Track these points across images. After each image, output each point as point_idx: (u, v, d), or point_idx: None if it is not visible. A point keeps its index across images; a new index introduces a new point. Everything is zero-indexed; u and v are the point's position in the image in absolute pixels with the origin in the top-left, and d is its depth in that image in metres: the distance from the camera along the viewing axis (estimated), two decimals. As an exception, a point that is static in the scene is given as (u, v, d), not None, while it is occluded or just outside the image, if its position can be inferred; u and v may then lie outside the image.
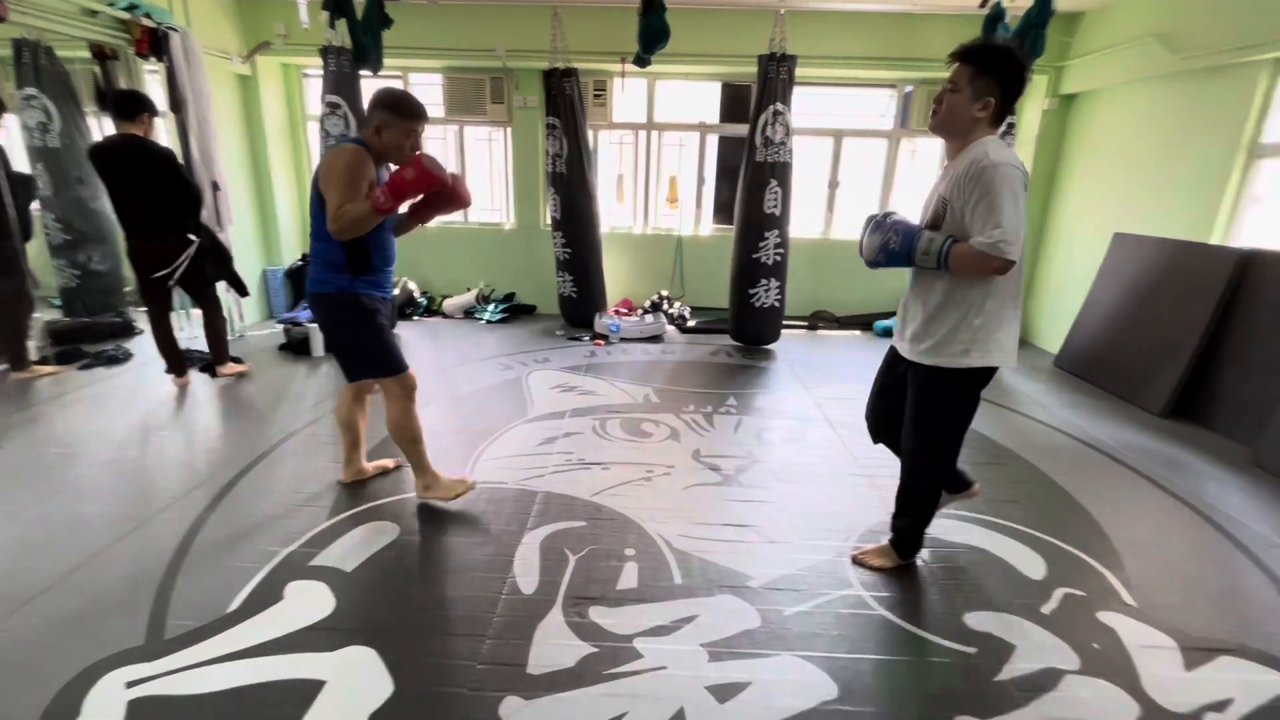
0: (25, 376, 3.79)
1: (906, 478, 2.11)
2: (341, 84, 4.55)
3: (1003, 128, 1.82)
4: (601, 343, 5.07)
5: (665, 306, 5.78)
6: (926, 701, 1.65)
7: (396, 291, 5.53)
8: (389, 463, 2.82)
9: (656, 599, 1.99)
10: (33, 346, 3.90)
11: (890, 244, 1.88)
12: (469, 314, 5.83)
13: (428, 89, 5.83)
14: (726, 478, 2.83)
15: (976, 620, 1.95)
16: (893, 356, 2.15)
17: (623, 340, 5.18)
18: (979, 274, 1.79)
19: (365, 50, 4.26)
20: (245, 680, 1.62)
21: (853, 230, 6.03)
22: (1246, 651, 1.85)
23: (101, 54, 4.20)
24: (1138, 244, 4.22)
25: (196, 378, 3.93)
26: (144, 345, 4.46)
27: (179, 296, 4.02)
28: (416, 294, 5.90)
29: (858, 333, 5.74)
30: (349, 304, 2.25)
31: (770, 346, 5.08)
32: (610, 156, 5.97)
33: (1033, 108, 5.31)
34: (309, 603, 1.92)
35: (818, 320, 5.91)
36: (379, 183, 2.18)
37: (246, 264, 4.90)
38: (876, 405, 2.25)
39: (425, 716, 1.55)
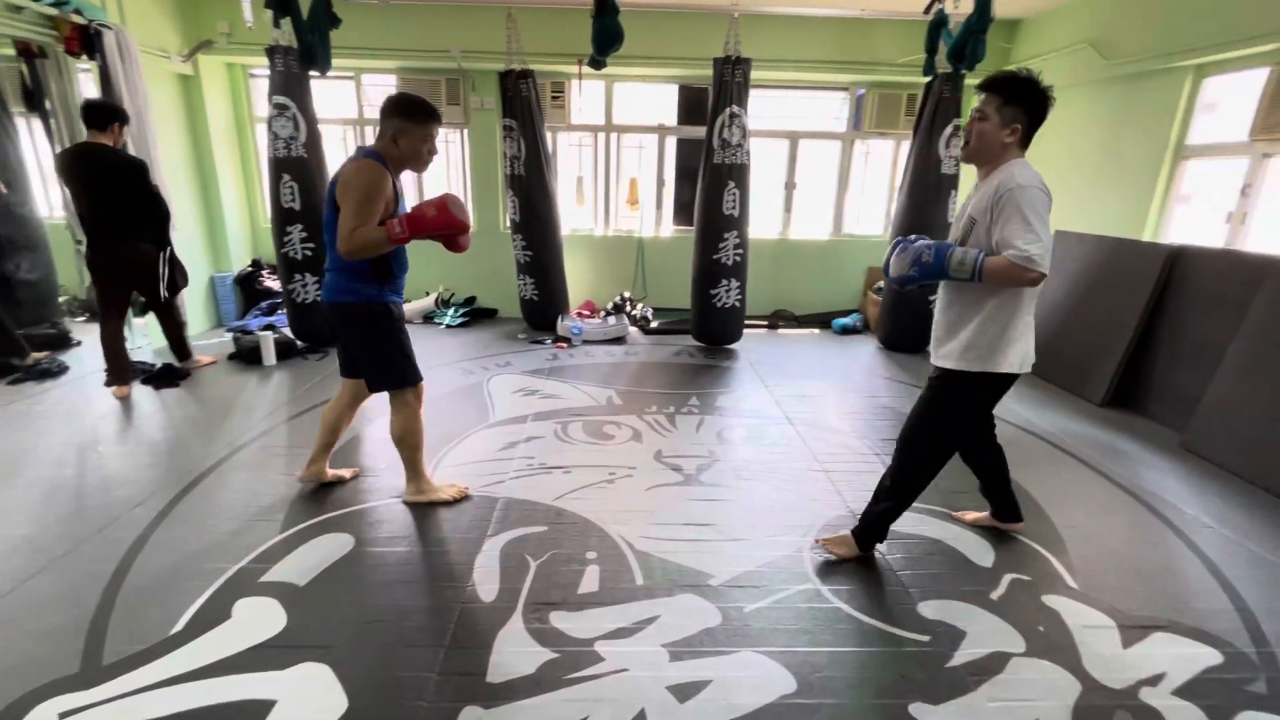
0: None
1: (897, 472, 2.17)
2: (290, 85, 4.41)
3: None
4: (564, 345, 5.05)
5: (628, 308, 5.79)
6: (882, 691, 1.69)
7: (352, 297, 5.39)
8: (345, 473, 2.77)
9: (618, 601, 1.99)
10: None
11: (924, 257, 1.92)
12: (428, 319, 5.74)
13: (381, 90, 5.72)
14: (688, 477, 2.85)
15: (930, 609, 2.01)
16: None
17: (585, 343, 5.16)
18: (1012, 284, 1.87)
19: (312, 50, 4.15)
20: (190, 704, 1.56)
21: (811, 230, 6.17)
22: (1178, 627, 1.95)
23: (28, 52, 3.99)
24: (1078, 241, 4.41)
25: (139, 390, 3.77)
26: (81, 357, 4.27)
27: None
28: (373, 299, 5.77)
29: (817, 331, 5.85)
30: (379, 313, 2.26)
31: (732, 346, 5.13)
32: (570, 158, 5.95)
33: (978, 111, 5.49)
34: (259, 620, 1.85)
35: (778, 319, 6.00)
36: (397, 197, 2.21)
37: (193, 271, 4.71)
38: None
39: (381, 732, 1.52)
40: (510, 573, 2.12)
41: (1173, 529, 2.54)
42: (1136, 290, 3.80)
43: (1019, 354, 1.97)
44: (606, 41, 4.26)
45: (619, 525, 2.43)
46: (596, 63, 4.50)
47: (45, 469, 2.78)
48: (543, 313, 5.43)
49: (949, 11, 4.30)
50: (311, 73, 4.45)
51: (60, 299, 4.80)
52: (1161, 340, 3.72)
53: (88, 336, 4.47)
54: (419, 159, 2.18)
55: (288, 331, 4.78)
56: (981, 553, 2.33)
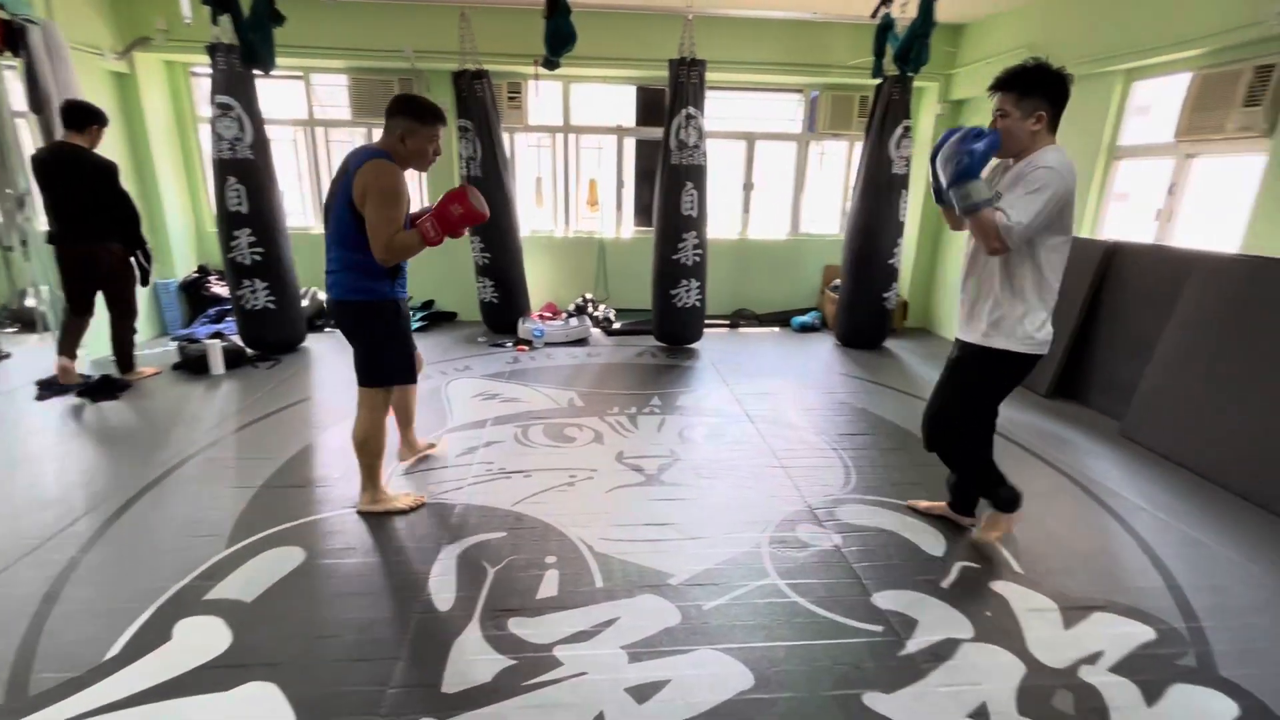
0: None
1: (953, 463, 2.33)
2: (233, 84, 4.27)
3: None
4: (525, 348, 5.00)
5: (590, 310, 5.77)
6: (838, 682, 1.72)
7: (306, 303, 5.25)
8: (431, 445, 3.02)
9: (577, 605, 1.98)
10: None
11: (963, 160, 1.88)
12: (386, 323, 5.60)
13: (332, 90, 5.57)
14: (649, 478, 2.85)
15: (884, 600, 2.06)
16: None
17: (547, 345, 5.13)
18: (980, 239, 1.97)
19: (253, 49, 4.01)
20: (126, 731, 1.49)
21: (769, 230, 6.25)
22: (1116, 607, 2.04)
23: (-55, 48, 3.77)
24: (1021, 239, 4.56)
25: (76, 403, 3.58)
26: (9, 371, 4.04)
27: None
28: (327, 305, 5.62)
29: (777, 329, 5.93)
30: (389, 310, 2.34)
31: (693, 345, 5.17)
32: (528, 159, 5.90)
33: (926, 113, 5.66)
34: (202, 640, 1.78)
35: (739, 319, 6.06)
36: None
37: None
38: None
39: (331, 749, 1.48)
40: (467, 580, 2.09)
41: (1111, 513, 2.65)
42: (1077, 285, 3.95)
43: (1040, 337, 2.05)
44: (559, 42, 4.24)
45: (579, 528, 2.42)
46: (550, 63, 4.47)
47: (-31, 490, 2.62)
48: (503, 315, 5.37)
49: (895, 16, 4.41)
50: (255, 72, 4.31)
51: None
52: (1101, 333, 3.89)
53: (17, 349, 4.24)
54: (424, 158, 2.24)
55: (237, 339, 4.62)
56: (933, 543, 2.40)
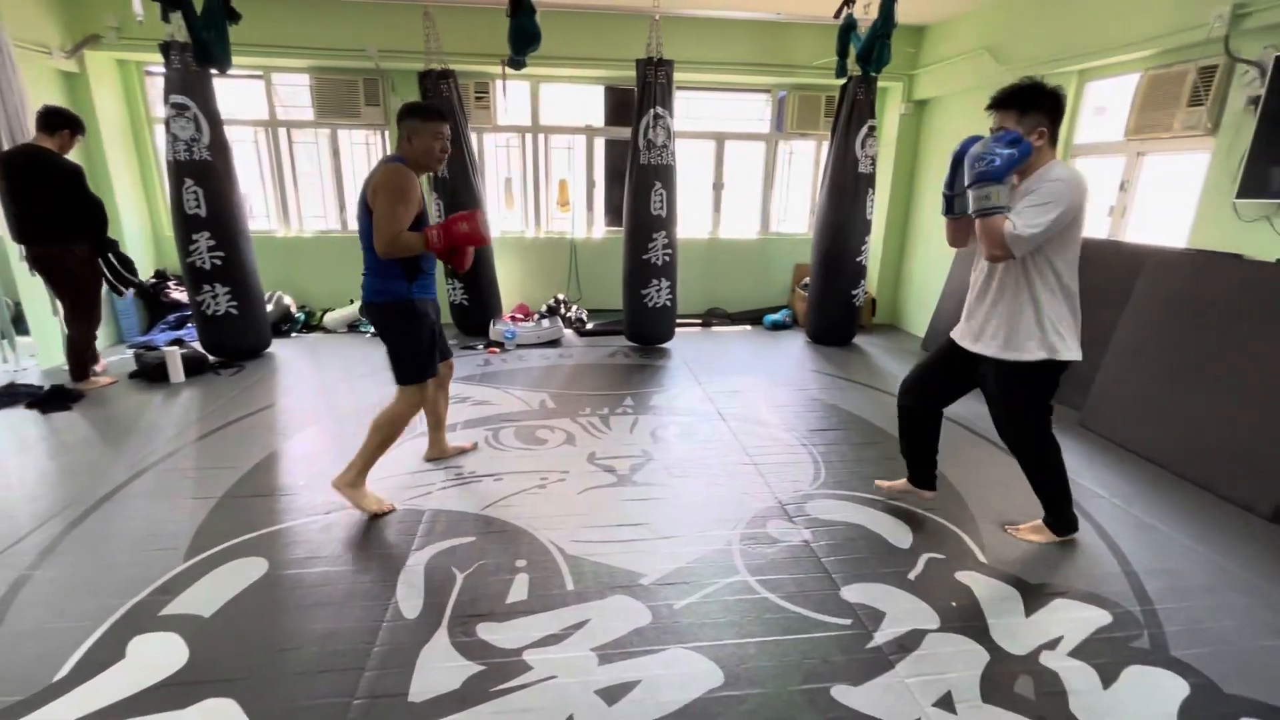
0: None
1: (1031, 473, 2.35)
2: (189, 83, 4.15)
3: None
4: (497, 350, 4.96)
5: (562, 311, 5.75)
6: (807, 676, 1.73)
7: (270, 308, 5.14)
8: (467, 444, 3.07)
9: (548, 608, 1.97)
10: None
11: (992, 162, 1.89)
12: (353, 327, 5.51)
13: (294, 90, 5.46)
14: (621, 478, 2.85)
15: (852, 593, 2.08)
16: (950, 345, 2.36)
17: (519, 347, 5.09)
18: (984, 245, 2.01)
19: (208, 48, 3.90)
20: (75, 755, 1.44)
21: (740, 229, 6.29)
22: (1074, 592, 2.10)
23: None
24: (984, 235, 4.67)
25: (25, 415, 3.45)
26: (-46, 382, 3.87)
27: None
28: (293, 309, 5.50)
29: (749, 327, 5.98)
30: (406, 310, 2.44)
31: (666, 345, 5.18)
32: (497, 160, 5.85)
33: (891, 112, 5.76)
34: (157, 657, 1.73)
35: (712, 317, 6.09)
36: (421, 197, 2.40)
37: (84, 284, 4.35)
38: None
39: (293, 764, 1.44)
40: (436, 587, 2.06)
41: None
42: (1036, 280, 4.05)
43: (1070, 343, 2.11)
44: (524, 41, 4.21)
45: (550, 531, 2.40)
46: (516, 63, 4.44)
47: (-92, 508, 2.50)
48: (474, 318, 5.32)
49: (858, 17, 4.47)
50: (212, 71, 4.20)
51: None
52: (1059, 326, 3.98)
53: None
54: (432, 155, 2.35)
55: (197, 346, 4.49)
56: (900, 535, 2.44)
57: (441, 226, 2.31)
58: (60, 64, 4.50)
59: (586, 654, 1.78)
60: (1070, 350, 2.12)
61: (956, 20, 5.01)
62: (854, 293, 5.18)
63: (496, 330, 5.12)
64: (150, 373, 4.07)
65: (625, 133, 5.46)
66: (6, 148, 3.72)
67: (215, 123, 4.26)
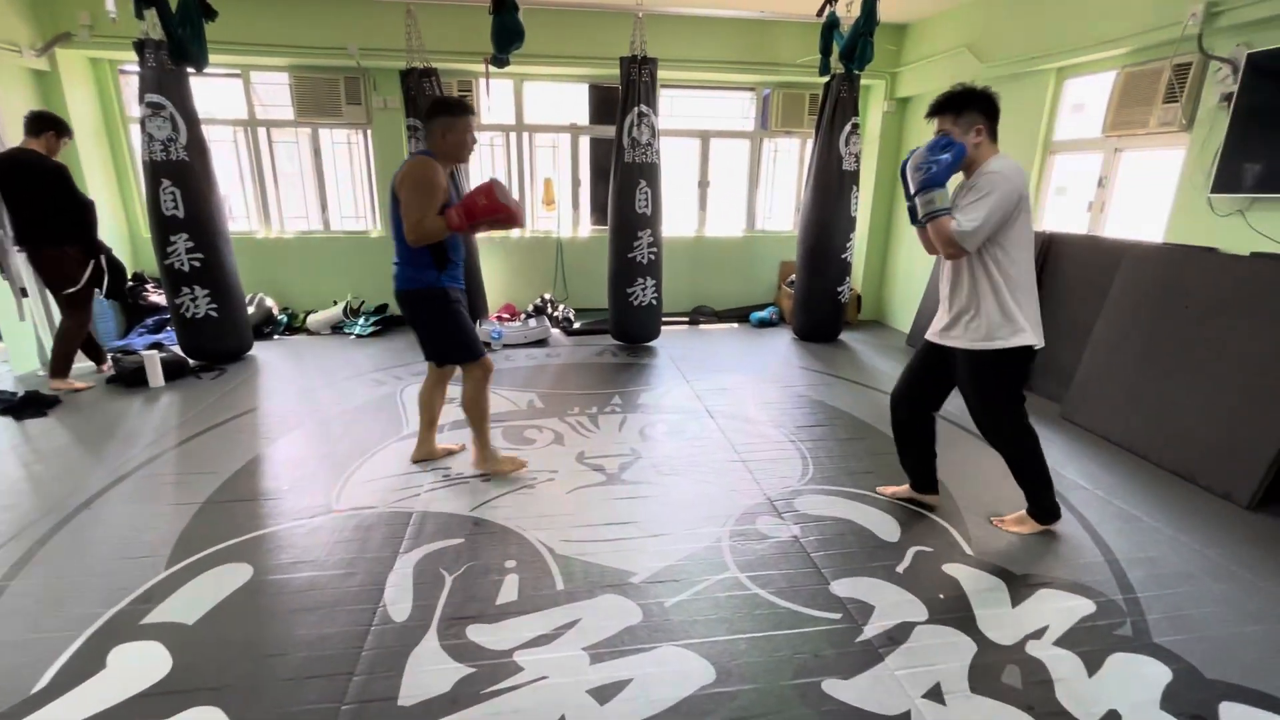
0: None
1: (1011, 462, 2.39)
2: (164, 82, 4.07)
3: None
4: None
5: (549, 310, 5.72)
6: (798, 671, 1.74)
7: (252, 310, 5.06)
8: (454, 446, 3.07)
9: (538, 608, 1.96)
10: None
11: (930, 170, 2.07)
12: (337, 329, 5.45)
13: (273, 89, 5.38)
14: (610, 477, 2.84)
15: (841, 587, 2.09)
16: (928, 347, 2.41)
17: (506, 346, 5.06)
18: (939, 246, 2.13)
19: (183, 46, 3.83)
20: (56, 768, 1.41)
21: (725, 227, 6.31)
22: (1059, 582, 2.13)
23: None
24: (966, 231, 4.72)
25: (-4, 423, 3.37)
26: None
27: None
28: (275, 311, 5.43)
29: (735, 325, 6.00)
30: (438, 296, 2.56)
31: (652, 344, 5.17)
32: (481, 159, 5.81)
33: (874, 110, 5.80)
34: (139, 667, 1.69)
35: (699, 315, 6.10)
36: (457, 189, 2.54)
37: (58, 287, 4.25)
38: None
39: (281, 772, 1.42)
40: (424, 589, 2.04)
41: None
42: (1018, 275, 4.11)
43: (1029, 329, 2.16)
44: (506, 39, 4.18)
45: (539, 531, 2.39)
46: (499, 60, 4.41)
47: (-124, 519, 2.43)
48: (460, 318, 5.27)
49: (840, 15, 4.50)
50: (188, 70, 4.13)
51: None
52: (1043, 320, 4.03)
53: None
54: (464, 147, 2.49)
55: (177, 349, 4.42)
56: (889, 529, 2.45)
57: (460, 205, 2.38)
58: (31, 63, 4.40)
59: (578, 654, 1.77)
60: (1032, 336, 2.18)
61: (937, 18, 5.06)
62: (839, 289, 5.21)
63: (483, 330, 5.09)
64: (129, 377, 3.99)
65: (610, 131, 5.44)
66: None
67: (193, 122, 4.19)
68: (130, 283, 5.17)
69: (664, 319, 5.17)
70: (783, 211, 6.43)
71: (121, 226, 5.26)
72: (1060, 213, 4.40)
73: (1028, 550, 2.32)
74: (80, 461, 2.95)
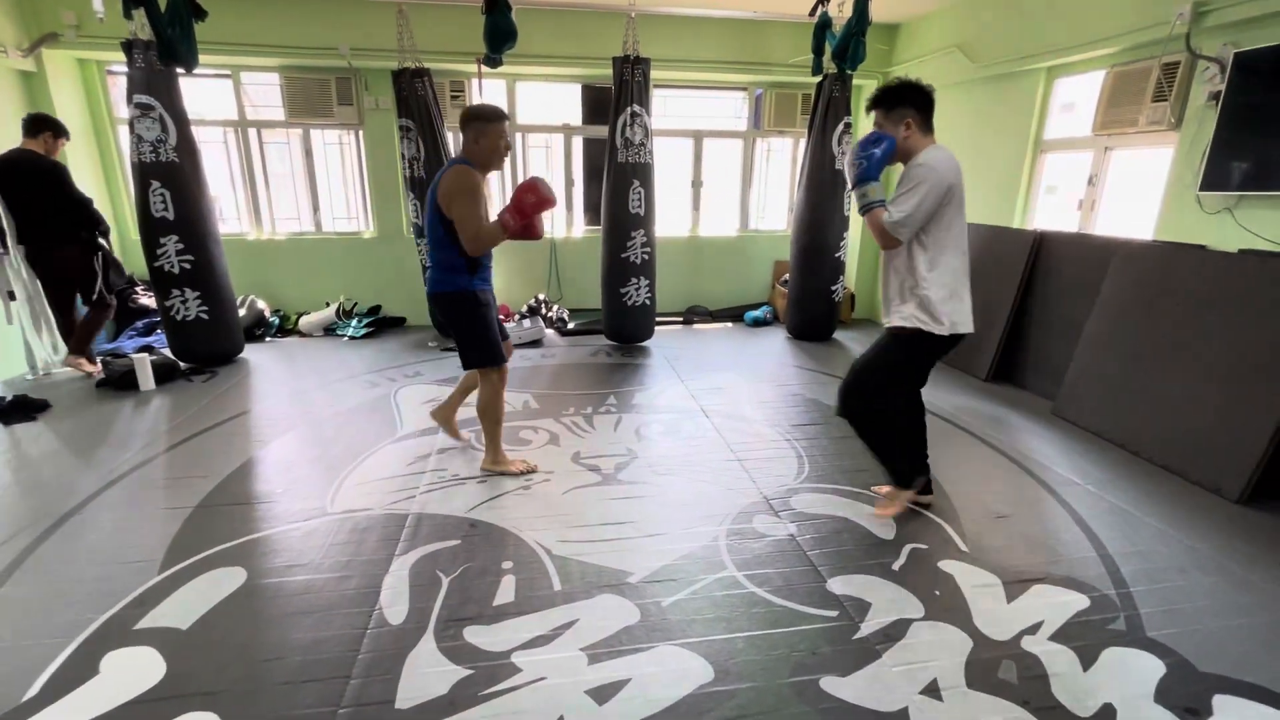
0: None
1: (856, 426, 2.48)
2: (153, 83, 4.03)
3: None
4: (477, 352, 4.91)
5: (543, 311, 5.71)
6: (795, 669, 1.74)
7: (243, 312, 5.03)
8: (464, 435, 3.15)
9: (535, 609, 1.96)
10: None
11: (863, 164, 2.17)
12: (329, 331, 5.42)
13: (264, 89, 5.34)
14: (606, 477, 2.84)
15: (838, 585, 2.10)
16: None
17: (500, 347, 5.04)
18: (875, 237, 2.23)
19: (172, 46, 3.80)
20: (49, 776, 1.39)
21: (719, 227, 6.32)
22: (1053, 578, 2.14)
23: None
24: (958, 230, 4.75)
25: (-16, 428, 3.33)
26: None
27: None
28: (267, 313, 5.39)
29: (730, 325, 6.01)
30: (470, 299, 2.61)
31: (646, 343, 5.17)
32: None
33: (867, 109, 5.82)
34: (132, 673, 1.68)
35: (693, 315, 6.11)
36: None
37: (46, 290, 4.21)
38: None
39: (278, 777, 1.41)
40: (421, 591, 2.03)
41: (1047, 489, 2.79)
42: (1010, 273, 4.14)
43: (952, 319, 2.20)
44: (499, 39, 4.17)
45: (536, 531, 2.39)
46: (492, 60, 4.40)
47: None
48: (454, 319, 5.25)
49: (832, 14, 4.51)
50: (177, 70, 4.09)
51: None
52: (1034, 318, 4.08)
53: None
54: (498, 153, 2.52)
55: (168, 352, 4.38)
56: (885, 527, 2.46)
57: (511, 208, 2.44)
58: (17, 63, 4.35)
59: (576, 654, 1.77)
60: (942, 327, 2.21)
61: (929, 18, 5.08)
62: (833, 288, 5.23)
63: (477, 331, 5.07)
64: (119, 381, 3.95)
65: (603, 131, 5.43)
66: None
67: (182, 123, 4.15)
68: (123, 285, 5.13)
69: (658, 319, 5.17)
70: (776, 211, 6.45)
71: (110, 228, 5.20)
72: (1051, 211, 4.43)
73: (1022, 546, 2.34)
74: (70, 466, 2.92)
